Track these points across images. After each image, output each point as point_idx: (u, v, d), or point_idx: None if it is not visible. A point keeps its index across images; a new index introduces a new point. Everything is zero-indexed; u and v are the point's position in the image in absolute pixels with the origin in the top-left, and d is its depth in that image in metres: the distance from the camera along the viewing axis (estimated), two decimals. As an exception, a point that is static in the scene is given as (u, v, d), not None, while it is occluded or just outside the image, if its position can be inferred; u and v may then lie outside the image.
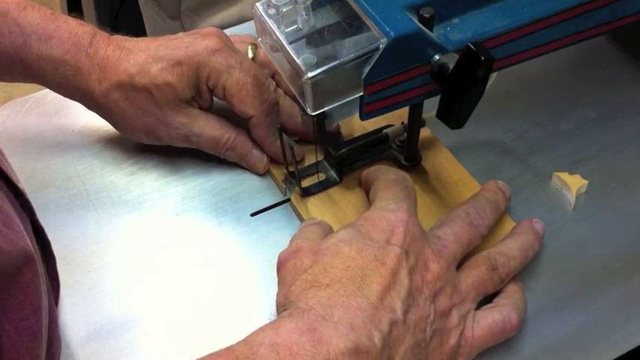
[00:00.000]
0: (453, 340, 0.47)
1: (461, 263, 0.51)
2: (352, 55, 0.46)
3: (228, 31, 0.61)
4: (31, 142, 0.64)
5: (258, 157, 0.60)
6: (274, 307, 0.48)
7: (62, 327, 0.52)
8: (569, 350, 0.51)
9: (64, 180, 0.61)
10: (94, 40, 0.57)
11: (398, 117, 0.60)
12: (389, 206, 0.50)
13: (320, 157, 0.60)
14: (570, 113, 0.66)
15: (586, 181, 0.60)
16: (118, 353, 0.51)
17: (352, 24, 0.47)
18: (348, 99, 0.48)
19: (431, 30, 0.48)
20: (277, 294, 0.48)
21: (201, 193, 0.60)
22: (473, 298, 0.49)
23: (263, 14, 0.49)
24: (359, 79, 0.47)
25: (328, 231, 0.53)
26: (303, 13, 0.48)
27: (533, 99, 0.67)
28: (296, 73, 0.47)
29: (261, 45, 0.53)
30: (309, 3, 0.48)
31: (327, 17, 0.49)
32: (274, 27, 0.48)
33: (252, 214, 0.59)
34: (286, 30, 0.48)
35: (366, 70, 0.46)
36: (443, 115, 0.48)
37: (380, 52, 0.45)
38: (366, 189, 0.56)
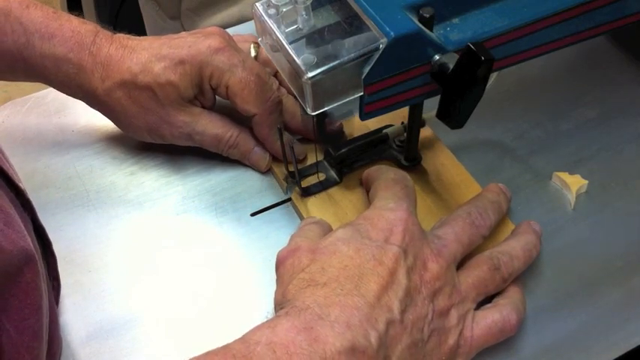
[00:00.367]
0: (451, 340, 0.47)
1: (463, 263, 0.51)
2: (352, 55, 0.46)
3: (229, 31, 0.61)
4: (31, 142, 0.64)
5: (260, 155, 0.60)
6: (272, 306, 0.48)
7: (62, 327, 0.52)
8: (569, 350, 0.51)
9: (64, 180, 0.61)
10: (97, 38, 0.57)
11: (401, 117, 0.60)
12: (388, 205, 0.50)
13: (320, 157, 0.60)
14: (570, 113, 0.66)
15: (586, 181, 0.60)
16: (118, 353, 0.51)
17: (352, 24, 0.47)
18: (348, 99, 0.48)
19: (431, 30, 0.48)
20: (275, 292, 0.48)
21: (201, 193, 0.60)
22: (473, 298, 0.49)
23: (263, 14, 0.49)
24: (359, 79, 0.47)
25: (327, 230, 0.53)
26: (303, 13, 0.48)
27: (533, 99, 0.67)
28: (296, 73, 0.47)
29: (262, 45, 0.53)
30: (309, 3, 0.48)
31: (327, 17, 0.49)
32: (274, 27, 0.49)
33: (252, 214, 0.59)
34: (286, 30, 0.48)
35: (366, 70, 0.46)
36: (443, 115, 0.48)
37: (380, 52, 0.45)
38: (367, 189, 0.56)
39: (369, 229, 0.48)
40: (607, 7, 0.53)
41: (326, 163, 0.60)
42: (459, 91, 0.46)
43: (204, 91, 0.58)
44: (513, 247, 0.52)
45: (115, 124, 0.61)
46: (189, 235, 0.58)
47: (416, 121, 0.56)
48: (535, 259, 0.53)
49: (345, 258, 0.46)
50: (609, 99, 0.67)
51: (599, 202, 0.59)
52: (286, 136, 0.60)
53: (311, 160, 0.61)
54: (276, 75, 0.61)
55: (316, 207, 0.58)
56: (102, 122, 0.64)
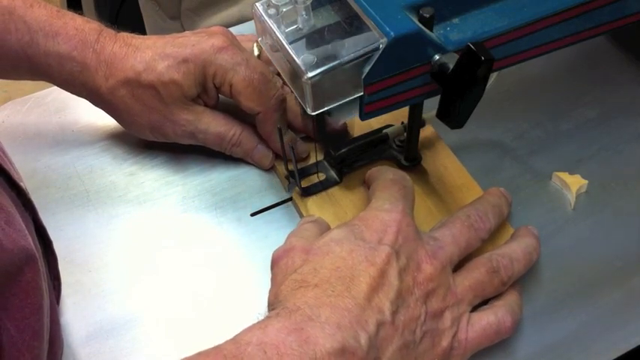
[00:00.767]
0: (445, 342, 0.47)
1: (462, 265, 0.51)
2: (352, 55, 0.46)
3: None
4: (31, 142, 0.64)
5: (264, 153, 0.60)
6: (262, 309, 0.48)
7: (62, 327, 0.52)
8: (569, 350, 0.51)
9: (64, 180, 0.61)
10: (101, 36, 0.57)
11: (401, 117, 0.60)
12: (384, 206, 0.50)
13: (320, 157, 0.60)
14: (570, 113, 0.66)
15: (586, 181, 0.60)
16: (118, 353, 0.51)
17: (352, 24, 0.47)
18: (348, 99, 0.48)
19: (431, 30, 0.48)
20: (269, 292, 0.48)
21: (201, 193, 0.60)
22: (469, 301, 0.49)
23: (263, 14, 0.49)
24: (359, 79, 0.47)
25: (325, 229, 0.53)
26: (303, 13, 0.48)
27: (533, 99, 0.67)
28: (296, 73, 0.47)
29: (262, 45, 0.53)
30: (309, 3, 0.48)
31: (327, 17, 0.49)
32: (274, 27, 0.49)
33: (252, 214, 0.59)
34: (286, 30, 0.48)
35: (366, 70, 0.46)
36: (443, 115, 0.48)
37: (380, 52, 0.45)
38: (369, 189, 0.56)
39: (364, 230, 0.48)
40: (607, 7, 0.53)
41: (326, 163, 0.60)
42: (459, 91, 0.46)
43: (208, 90, 0.58)
44: (514, 250, 0.52)
45: (118, 122, 0.61)
46: (189, 235, 0.58)
47: (416, 121, 0.56)
48: (535, 262, 0.53)
49: (337, 259, 0.46)
50: (609, 99, 0.67)
51: (599, 202, 0.59)
52: (289, 134, 0.60)
53: (311, 160, 0.61)
54: (279, 74, 0.61)
55: (316, 206, 0.58)
56: (102, 122, 0.64)
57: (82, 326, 0.52)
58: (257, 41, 0.62)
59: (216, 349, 0.41)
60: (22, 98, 0.68)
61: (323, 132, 0.60)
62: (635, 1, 0.55)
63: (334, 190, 0.59)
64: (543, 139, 0.64)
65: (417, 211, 0.55)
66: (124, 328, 0.52)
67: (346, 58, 0.46)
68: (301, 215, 0.58)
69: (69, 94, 0.60)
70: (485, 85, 0.45)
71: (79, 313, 0.53)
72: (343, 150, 0.59)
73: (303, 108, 0.49)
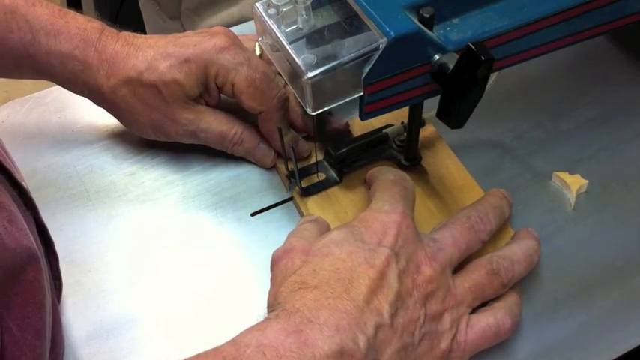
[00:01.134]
0: (444, 344, 0.47)
1: (462, 267, 0.50)
2: (352, 55, 0.46)
3: (230, 31, 0.61)
4: (31, 142, 0.64)
5: (265, 152, 0.60)
6: (265, 308, 0.48)
7: (63, 326, 0.52)
8: (569, 350, 0.51)
9: (64, 180, 0.61)
10: (103, 35, 0.57)
11: (401, 117, 0.60)
12: (384, 208, 0.50)
13: (320, 157, 0.60)
14: (570, 113, 0.66)
15: (586, 181, 0.60)
16: (118, 353, 0.51)
17: (352, 24, 0.47)
18: (348, 99, 0.48)
19: (431, 30, 0.48)
20: (268, 293, 0.48)
21: (201, 193, 0.60)
22: (469, 303, 0.49)
23: (263, 14, 0.49)
24: (359, 79, 0.47)
25: (325, 228, 0.53)
26: (303, 13, 0.48)
27: (533, 99, 0.67)
28: (296, 73, 0.47)
29: (262, 45, 0.53)
30: (309, 3, 0.48)
31: (327, 17, 0.49)
32: (274, 27, 0.49)
33: (252, 214, 0.59)
34: (286, 30, 0.48)
35: (366, 70, 0.46)
36: (443, 115, 0.48)
37: (380, 52, 0.45)
38: (369, 189, 0.56)
39: (363, 232, 0.48)
40: (607, 7, 0.53)
41: (326, 163, 0.60)
42: (459, 91, 0.46)
43: (210, 90, 0.58)
44: (514, 252, 0.51)
45: (119, 121, 0.61)
46: (189, 235, 0.58)
47: (416, 121, 0.56)
48: (535, 264, 0.53)
49: (336, 261, 0.46)
50: (609, 99, 0.67)
51: (599, 202, 0.59)
52: (291, 133, 0.60)
53: (311, 160, 0.61)
54: (280, 74, 0.61)
55: (317, 205, 0.58)
56: (102, 122, 0.64)
57: (82, 326, 0.52)
58: (258, 41, 0.62)
59: (215, 350, 0.41)
60: (22, 98, 0.68)
61: (323, 132, 0.60)
62: (635, 1, 0.55)
63: (335, 190, 0.59)
64: (543, 139, 0.64)
65: (418, 211, 0.55)
66: (124, 328, 0.52)
67: (346, 58, 0.46)
68: (302, 215, 0.58)
69: (69, 94, 0.60)
70: (485, 85, 0.45)
71: (79, 313, 0.53)
72: (343, 150, 0.59)
73: (303, 108, 0.49)
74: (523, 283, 0.53)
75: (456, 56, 0.46)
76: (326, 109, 0.48)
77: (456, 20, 0.50)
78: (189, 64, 0.56)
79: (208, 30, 0.59)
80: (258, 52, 0.61)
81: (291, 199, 0.59)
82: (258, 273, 0.54)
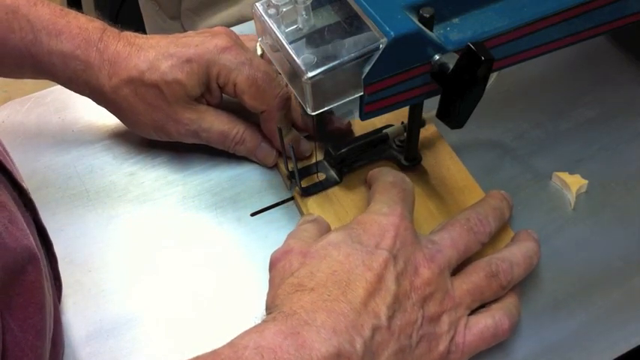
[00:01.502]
0: (442, 346, 0.47)
1: (461, 269, 0.50)
2: (352, 55, 0.46)
3: (230, 31, 0.61)
4: (31, 142, 0.64)
5: (267, 151, 0.60)
6: (264, 310, 0.48)
7: (63, 326, 0.52)
8: (569, 350, 0.51)
9: (64, 180, 0.61)
10: (104, 35, 0.57)
11: (401, 117, 0.60)
12: (382, 210, 0.50)
13: (320, 157, 0.60)
14: (570, 113, 0.66)
15: (586, 181, 0.60)
16: (118, 353, 0.51)
17: (352, 24, 0.47)
18: (348, 99, 0.48)
19: (431, 30, 0.48)
20: (267, 295, 0.48)
21: (201, 193, 0.60)
22: (467, 305, 0.49)
23: (263, 14, 0.49)
24: (359, 79, 0.47)
25: (325, 228, 0.53)
26: (303, 13, 0.48)
27: (533, 99, 0.67)
28: (296, 73, 0.47)
29: (262, 45, 0.53)
30: (309, 3, 0.48)
31: (327, 17, 0.49)
32: (274, 27, 0.49)
33: (252, 214, 0.59)
34: (286, 30, 0.48)
35: (366, 70, 0.46)
36: (443, 114, 0.48)
37: (380, 52, 0.45)
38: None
39: (361, 234, 0.48)
40: (607, 7, 0.53)
41: (326, 163, 0.60)
42: (459, 91, 0.46)
43: (212, 90, 0.58)
44: (514, 254, 0.51)
45: (121, 121, 0.61)
46: (189, 235, 0.58)
47: (416, 121, 0.56)
48: (535, 266, 0.53)
49: (334, 263, 0.46)
50: (609, 99, 0.67)
51: (599, 202, 0.59)
52: (293, 133, 0.60)
53: (311, 159, 0.61)
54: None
55: (317, 205, 0.58)
56: (102, 122, 0.64)
57: (82, 326, 0.52)
58: (259, 41, 0.62)
59: (214, 353, 0.42)
60: (22, 98, 0.68)
61: (325, 131, 0.60)
62: (635, 1, 0.55)
63: (335, 190, 0.59)
64: (543, 139, 0.64)
65: (418, 212, 0.55)
66: (124, 328, 0.52)
67: (346, 58, 0.46)
68: (302, 214, 0.58)
69: (69, 93, 0.60)
70: (485, 85, 0.45)
71: (79, 313, 0.53)
72: (343, 150, 0.59)
73: (303, 108, 0.49)
74: (522, 283, 0.53)
75: (456, 56, 0.46)
76: (326, 109, 0.48)
77: (456, 20, 0.50)
78: (190, 64, 0.56)
79: (210, 30, 0.59)
80: (259, 52, 0.61)
81: (291, 199, 0.59)
82: (258, 273, 0.54)
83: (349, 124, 0.62)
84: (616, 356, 0.51)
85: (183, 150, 0.62)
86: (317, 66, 0.46)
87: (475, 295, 0.49)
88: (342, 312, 0.43)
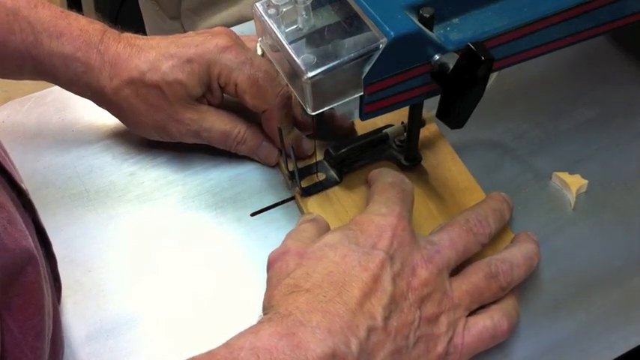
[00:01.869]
0: (440, 347, 0.47)
1: (461, 270, 0.50)
2: (352, 55, 0.46)
3: (230, 31, 0.61)
4: (31, 142, 0.64)
5: (269, 150, 0.60)
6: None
7: (63, 327, 0.52)
8: (569, 350, 0.51)
9: (64, 180, 0.61)
10: (105, 37, 0.57)
11: (401, 117, 0.60)
12: (380, 210, 0.50)
13: (320, 157, 0.60)
14: (570, 113, 0.66)
15: (586, 181, 0.60)
16: (118, 353, 0.51)
17: (352, 24, 0.47)
18: (348, 99, 0.48)
19: (431, 30, 0.48)
20: (264, 295, 0.48)
21: (201, 193, 0.60)
22: (466, 306, 0.49)
23: (263, 14, 0.49)
24: (359, 79, 0.47)
25: (324, 228, 0.53)
26: (303, 13, 0.48)
27: (533, 99, 0.67)
28: (296, 73, 0.47)
29: (262, 45, 0.53)
30: (309, 3, 0.48)
31: (327, 17, 0.49)
32: (274, 27, 0.49)
33: (252, 214, 0.59)
34: (286, 30, 0.48)
35: (366, 69, 0.46)
36: (443, 114, 0.48)
37: (380, 52, 0.45)
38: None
39: (358, 235, 0.48)
40: (607, 7, 0.53)
41: (326, 163, 0.60)
42: (459, 91, 0.46)
43: (213, 90, 0.58)
44: (514, 255, 0.51)
45: (122, 122, 0.61)
46: (189, 235, 0.58)
47: (416, 121, 0.56)
48: (535, 268, 0.53)
49: (330, 264, 0.46)
50: (609, 99, 0.67)
51: (599, 202, 0.59)
52: (295, 132, 0.60)
53: (311, 159, 0.61)
54: None
55: (318, 205, 0.58)
56: (102, 122, 0.64)
57: (82, 326, 0.52)
58: (259, 41, 0.62)
59: (209, 354, 0.42)
60: (22, 98, 0.68)
61: (326, 131, 0.60)
62: (635, 1, 0.55)
63: (335, 190, 0.59)
64: (543, 139, 0.64)
65: (418, 212, 0.55)
66: (124, 328, 0.52)
67: (346, 58, 0.46)
68: (302, 214, 0.58)
69: (69, 94, 0.60)
70: (485, 85, 0.45)
71: (79, 313, 0.53)
72: (343, 150, 0.59)
73: (303, 108, 0.49)
74: (522, 283, 0.53)
75: (456, 56, 0.46)
76: (326, 109, 0.48)
77: (456, 20, 0.50)
78: (191, 65, 0.56)
79: (210, 30, 0.59)
80: (260, 52, 0.61)
81: (291, 198, 0.59)
82: (258, 273, 0.54)
83: (352, 123, 0.62)
84: (616, 356, 0.51)
85: (183, 150, 0.62)
86: (317, 66, 0.46)
87: (474, 296, 0.49)
88: (338, 313, 0.43)
